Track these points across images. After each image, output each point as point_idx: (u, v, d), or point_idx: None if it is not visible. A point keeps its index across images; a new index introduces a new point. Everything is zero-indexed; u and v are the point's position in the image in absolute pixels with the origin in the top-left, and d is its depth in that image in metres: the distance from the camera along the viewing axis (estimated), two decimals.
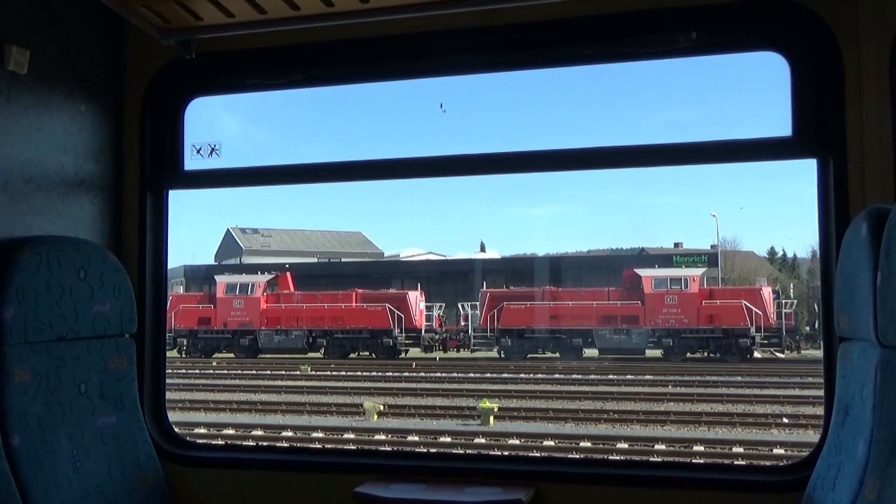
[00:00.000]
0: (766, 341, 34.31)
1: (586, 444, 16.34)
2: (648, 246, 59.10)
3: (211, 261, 63.69)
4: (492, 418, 19.00)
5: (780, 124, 3.19)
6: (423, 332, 37.32)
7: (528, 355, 35.43)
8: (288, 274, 40.56)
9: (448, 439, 17.06)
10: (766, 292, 34.77)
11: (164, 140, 3.79)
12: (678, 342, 34.45)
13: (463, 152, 3.58)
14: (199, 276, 48.30)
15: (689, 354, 34.36)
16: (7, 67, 3.10)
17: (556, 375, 27.92)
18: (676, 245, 56.65)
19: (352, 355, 37.02)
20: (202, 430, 18.21)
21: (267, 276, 39.55)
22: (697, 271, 37.45)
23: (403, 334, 36.85)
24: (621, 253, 61.17)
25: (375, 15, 3.21)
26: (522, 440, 17.02)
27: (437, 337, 38.39)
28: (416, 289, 39.15)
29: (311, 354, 37.23)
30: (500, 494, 3.17)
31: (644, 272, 36.56)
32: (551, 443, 16.59)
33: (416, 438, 16.97)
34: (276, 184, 4.09)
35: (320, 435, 17.70)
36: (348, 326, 37.11)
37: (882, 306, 2.24)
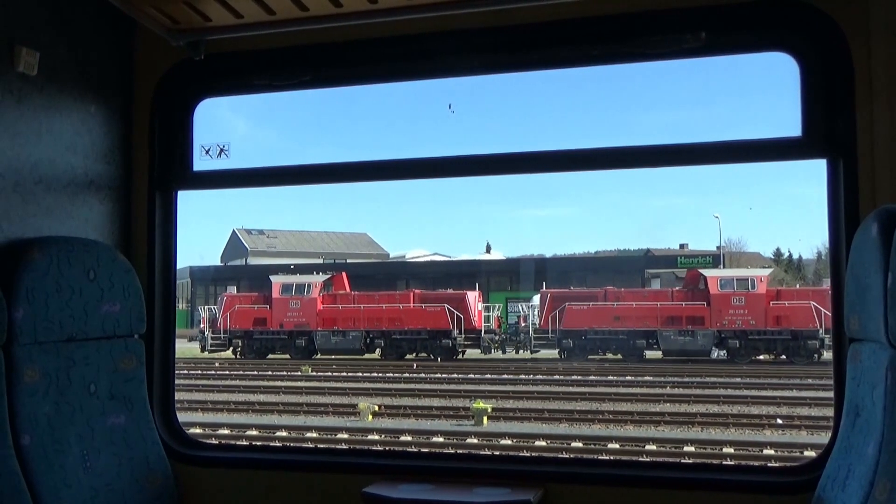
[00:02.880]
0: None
1: (577, 444, 16.25)
2: (654, 247, 59.13)
3: (218, 262, 63.95)
4: (485, 418, 18.96)
5: (789, 125, 3.19)
6: (482, 332, 36.62)
7: (589, 356, 34.57)
8: (344, 274, 40.01)
9: (441, 439, 16.93)
10: None
11: (174, 141, 3.80)
12: (745, 344, 33.32)
13: (470, 153, 3.57)
14: (207, 278, 48.21)
15: (753, 357, 33.18)
16: (17, 69, 3.11)
17: (556, 377, 27.83)
18: (682, 246, 56.66)
19: (408, 356, 36.28)
20: (198, 431, 18.21)
21: (323, 277, 38.98)
22: (765, 272, 36.30)
23: (462, 335, 36.05)
24: (627, 254, 61.22)
25: (384, 16, 3.21)
26: (514, 440, 16.95)
27: (496, 338, 37.74)
28: (475, 288, 38.41)
29: (367, 356, 36.58)
30: (508, 495, 3.16)
31: (709, 273, 35.49)
32: (543, 443, 16.50)
33: (409, 438, 16.86)
34: (283, 184, 4.09)
35: (314, 435, 17.65)
36: (406, 327, 36.22)
37: (893, 307, 2.22)
